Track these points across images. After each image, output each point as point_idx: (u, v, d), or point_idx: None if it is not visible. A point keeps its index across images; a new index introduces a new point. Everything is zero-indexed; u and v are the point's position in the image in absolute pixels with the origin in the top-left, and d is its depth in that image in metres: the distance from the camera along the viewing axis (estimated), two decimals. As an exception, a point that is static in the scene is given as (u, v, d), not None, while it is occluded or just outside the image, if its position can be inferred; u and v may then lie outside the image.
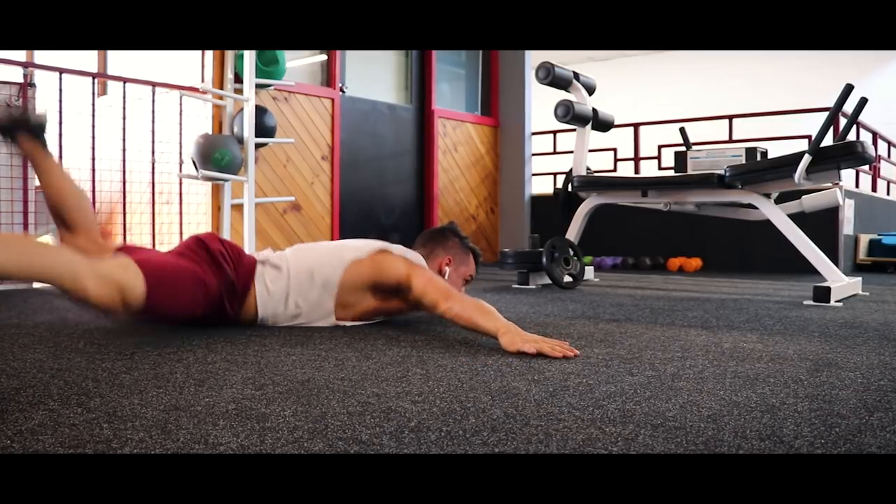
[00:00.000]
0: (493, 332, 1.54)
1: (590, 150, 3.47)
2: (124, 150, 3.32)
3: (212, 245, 1.73)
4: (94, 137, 3.21)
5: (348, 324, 1.84)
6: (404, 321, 1.99)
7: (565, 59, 8.57)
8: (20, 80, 3.04)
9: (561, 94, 3.40)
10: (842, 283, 2.65)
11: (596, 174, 3.54)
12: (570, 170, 3.43)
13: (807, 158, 2.60)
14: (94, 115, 3.22)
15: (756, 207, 2.95)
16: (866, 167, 5.02)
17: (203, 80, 3.59)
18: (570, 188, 3.41)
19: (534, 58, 5.25)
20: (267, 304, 1.77)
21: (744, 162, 3.13)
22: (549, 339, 1.49)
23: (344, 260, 1.80)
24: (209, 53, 3.60)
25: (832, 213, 4.17)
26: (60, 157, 3.09)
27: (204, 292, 1.63)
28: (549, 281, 3.13)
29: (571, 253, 3.16)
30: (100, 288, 1.35)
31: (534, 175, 5.44)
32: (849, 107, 3.10)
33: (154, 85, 3.40)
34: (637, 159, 5.41)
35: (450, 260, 1.98)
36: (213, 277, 1.67)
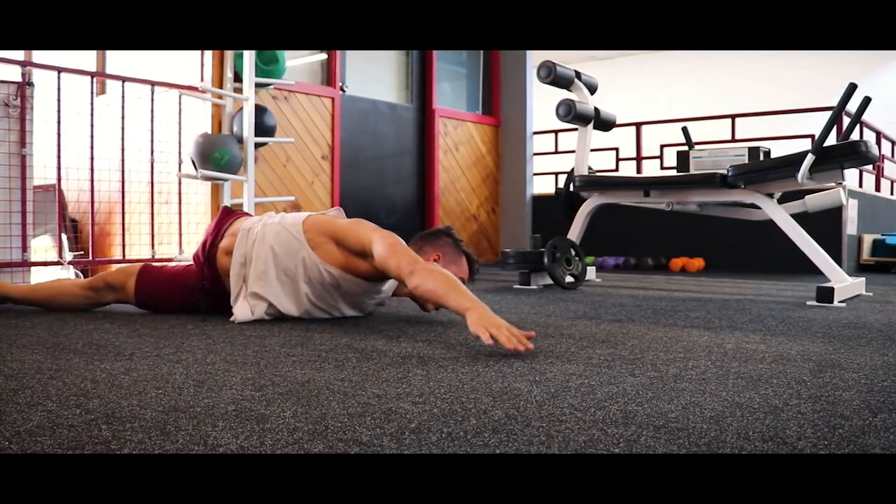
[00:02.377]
0: (462, 310, 1.50)
1: (591, 150, 3.46)
2: (123, 149, 3.31)
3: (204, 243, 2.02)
4: (92, 137, 3.21)
5: (335, 269, 1.87)
6: (404, 321, 1.98)
7: (567, 58, 8.56)
8: (18, 79, 3.04)
9: (562, 94, 3.39)
10: (845, 284, 2.64)
11: (598, 174, 3.53)
12: (572, 169, 3.42)
13: (810, 158, 2.59)
14: (92, 115, 3.21)
15: (759, 207, 2.94)
16: (870, 167, 5.00)
17: (202, 80, 3.59)
18: (571, 188, 3.40)
19: (535, 57, 5.25)
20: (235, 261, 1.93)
21: (746, 161, 3.12)
22: (513, 328, 1.43)
23: (305, 213, 1.98)
24: (209, 52, 3.60)
25: (835, 213, 4.16)
26: (59, 156, 3.09)
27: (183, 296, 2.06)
28: (550, 281, 3.13)
29: (573, 253, 3.15)
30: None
31: (535, 175, 5.43)
32: (852, 106, 3.09)
33: (153, 84, 3.39)
34: (639, 159, 5.40)
35: (438, 257, 1.96)
36: (191, 274, 2.05)
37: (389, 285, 2.05)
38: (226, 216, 2.08)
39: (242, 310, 1.89)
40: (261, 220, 1.99)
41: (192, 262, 2.10)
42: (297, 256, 1.88)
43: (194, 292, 2.00)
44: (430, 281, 1.59)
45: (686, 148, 3.54)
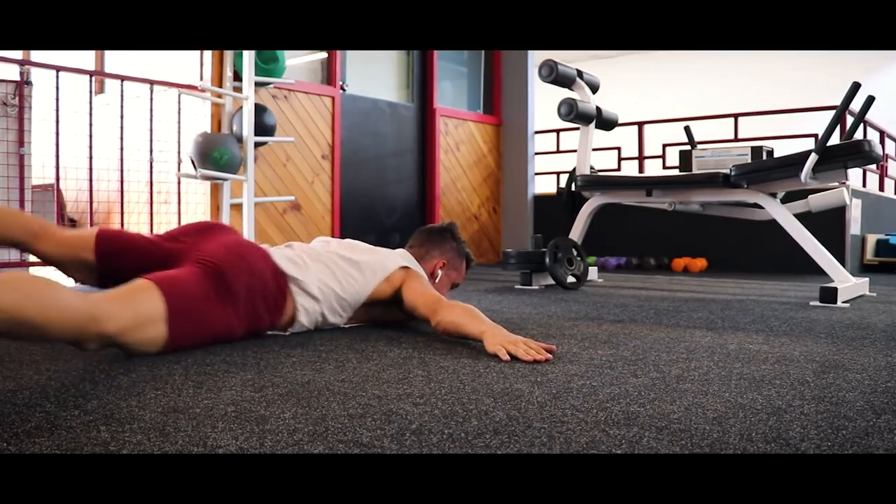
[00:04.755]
0: (479, 335, 1.51)
1: (593, 149, 3.45)
2: (122, 148, 3.30)
3: (236, 286, 1.49)
4: (91, 136, 3.20)
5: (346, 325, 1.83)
6: (404, 321, 1.98)
7: (569, 57, 8.54)
8: (16, 78, 3.03)
9: (564, 93, 3.38)
10: (849, 284, 2.63)
11: (600, 173, 3.52)
12: (574, 169, 3.41)
13: (813, 157, 2.58)
14: (91, 114, 3.20)
15: (762, 207, 2.93)
16: (873, 166, 4.98)
17: (202, 79, 3.58)
18: (573, 187, 3.39)
19: (537, 56, 5.24)
20: (303, 324, 1.70)
21: (749, 161, 3.11)
22: (530, 341, 1.45)
23: (376, 278, 1.75)
24: (208, 51, 3.59)
25: (839, 212, 4.15)
26: (57, 156, 3.08)
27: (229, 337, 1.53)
28: (552, 282, 3.12)
29: (575, 253, 3.14)
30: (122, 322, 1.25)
31: (537, 174, 5.42)
32: (856, 105, 3.08)
33: (152, 83, 3.39)
34: (641, 158, 5.39)
35: (444, 264, 1.96)
36: (244, 325, 1.54)
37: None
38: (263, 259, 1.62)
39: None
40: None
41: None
42: (354, 290, 1.75)
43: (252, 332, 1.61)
44: (451, 314, 1.61)
45: (689, 147, 3.53)
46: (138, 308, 1.30)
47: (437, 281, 1.94)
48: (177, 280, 1.41)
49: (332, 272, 1.71)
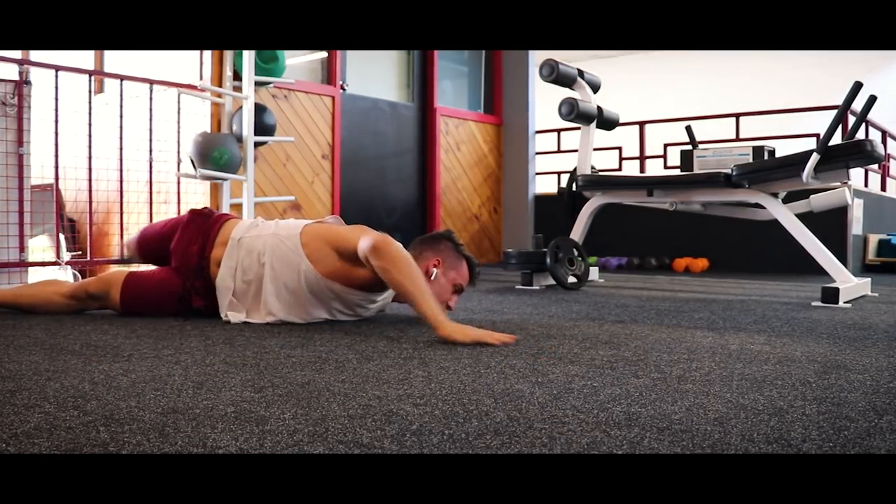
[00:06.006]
0: (435, 323, 1.60)
1: (594, 149, 3.44)
2: (121, 148, 3.30)
3: (191, 247, 1.97)
4: (90, 136, 3.20)
5: (336, 285, 1.86)
6: (405, 322, 1.97)
7: (569, 57, 8.52)
8: (15, 77, 3.02)
9: (565, 92, 3.38)
10: (850, 284, 2.62)
11: (601, 173, 3.51)
12: (575, 169, 3.41)
13: (815, 157, 2.58)
14: (90, 114, 3.20)
15: (763, 207, 2.93)
16: (875, 166, 4.98)
17: (201, 78, 3.58)
18: (574, 187, 3.38)
19: (537, 55, 5.23)
20: (225, 277, 1.92)
21: (751, 161, 3.11)
22: (492, 332, 1.60)
23: (302, 222, 1.95)
24: (208, 51, 3.59)
25: (841, 212, 4.14)
26: (56, 156, 3.08)
27: (169, 300, 1.99)
28: (553, 282, 3.11)
29: (576, 253, 3.14)
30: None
31: (537, 174, 5.42)
32: (858, 105, 3.07)
33: (152, 82, 3.38)
34: (642, 158, 5.38)
35: (438, 262, 1.90)
36: (178, 281, 1.98)
37: (390, 293, 1.99)
38: (213, 221, 2.00)
39: (236, 315, 1.89)
40: (253, 228, 1.95)
41: (180, 262, 2.00)
42: (298, 270, 1.85)
43: (183, 304, 1.96)
44: (397, 271, 1.67)
45: (690, 147, 3.53)
46: (107, 281, 2.04)
47: (433, 279, 1.86)
48: (138, 274, 2.05)
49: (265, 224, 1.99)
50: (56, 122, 3.06)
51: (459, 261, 1.93)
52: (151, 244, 2.13)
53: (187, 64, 3.66)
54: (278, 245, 1.87)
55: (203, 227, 1.99)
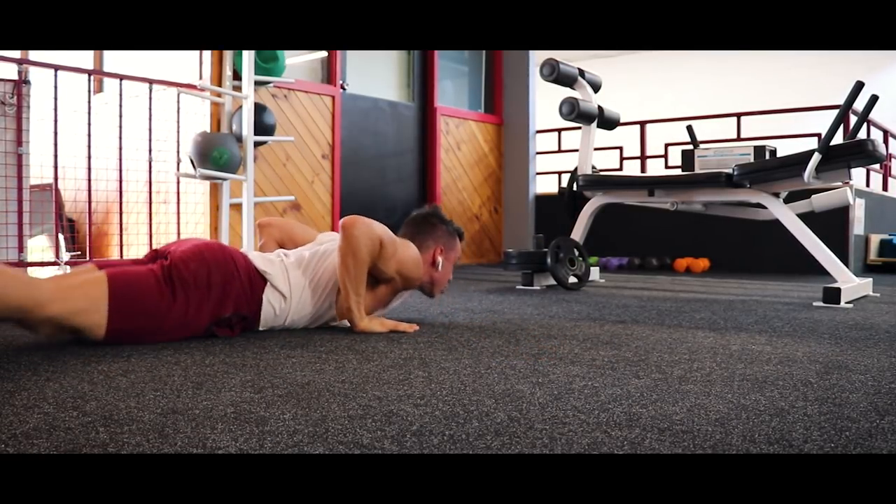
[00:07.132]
0: (355, 319, 1.71)
1: (595, 149, 3.44)
2: (121, 148, 3.30)
3: (187, 277, 1.55)
4: (90, 136, 3.19)
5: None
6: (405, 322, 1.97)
7: (570, 56, 8.50)
8: (14, 77, 3.02)
9: (566, 92, 3.37)
10: (852, 284, 2.62)
11: (601, 173, 3.51)
12: (575, 168, 3.40)
13: (816, 157, 2.57)
14: (90, 113, 3.20)
15: (765, 207, 2.92)
16: (877, 166, 4.97)
17: (201, 78, 3.58)
18: (575, 187, 3.38)
19: (538, 55, 5.23)
20: (271, 315, 1.75)
21: (752, 161, 3.10)
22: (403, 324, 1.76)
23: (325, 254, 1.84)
24: (207, 51, 3.58)
25: (842, 212, 4.13)
26: (56, 155, 3.08)
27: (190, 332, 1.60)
28: (553, 282, 3.11)
29: (576, 253, 3.13)
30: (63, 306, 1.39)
31: (538, 174, 5.41)
32: (859, 104, 3.07)
33: (151, 82, 3.38)
34: (643, 158, 5.38)
35: (441, 249, 1.95)
36: (206, 318, 1.59)
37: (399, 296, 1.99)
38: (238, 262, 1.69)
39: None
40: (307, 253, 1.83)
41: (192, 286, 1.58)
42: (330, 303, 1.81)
43: (223, 326, 1.65)
44: (343, 265, 1.71)
45: (691, 147, 3.53)
46: (84, 294, 1.43)
47: (440, 268, 1.94)
48: (127, 274, 1.50)
49: (303, 264, 1.80)
50: (55, 121, 3.05)
51: (454, 239, 2.01)
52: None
53: (187, 63, 3.66)
54: (307, 291, 1.78)
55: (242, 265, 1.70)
